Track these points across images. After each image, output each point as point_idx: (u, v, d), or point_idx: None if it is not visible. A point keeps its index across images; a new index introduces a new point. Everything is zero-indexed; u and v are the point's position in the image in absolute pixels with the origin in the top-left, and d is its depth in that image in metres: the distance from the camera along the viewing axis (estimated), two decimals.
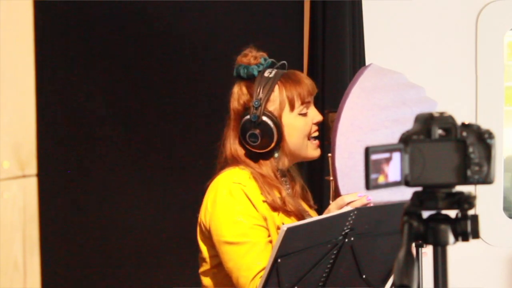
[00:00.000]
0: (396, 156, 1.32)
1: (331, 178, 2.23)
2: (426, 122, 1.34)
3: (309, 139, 2.34)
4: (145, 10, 3.19)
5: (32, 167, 1.52)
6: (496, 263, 3.41)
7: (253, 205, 2.22)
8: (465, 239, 1.34)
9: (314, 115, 2.36)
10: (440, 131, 1.34)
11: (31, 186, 1.52)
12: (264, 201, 2.24)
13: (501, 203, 3.39)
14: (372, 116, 2.23)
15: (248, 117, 2.28)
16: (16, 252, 1.49)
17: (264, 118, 2.28)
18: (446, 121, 1.34)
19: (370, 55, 3.19)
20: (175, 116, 3.22)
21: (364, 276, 2.17)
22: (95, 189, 3.20)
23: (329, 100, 3.10)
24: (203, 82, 3.17)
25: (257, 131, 2.27)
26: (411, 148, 1.33)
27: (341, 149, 2.21)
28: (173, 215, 3.18)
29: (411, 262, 1.26)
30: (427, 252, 2.14)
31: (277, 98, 2.30)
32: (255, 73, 2.31)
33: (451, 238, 1.35)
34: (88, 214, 3.19)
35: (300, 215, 2.31)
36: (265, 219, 2.23)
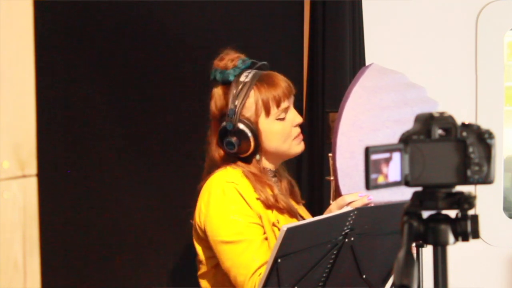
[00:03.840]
0: (396, 156, 1.32)
1: (332, 178, 2.23)
2: (426, 122, 1.34)
3: (292, 139, 2.33)
4: (145, 10, 3.18)
5: (32, 167, 1.52)
6: (496, 263, 3.41)
7: (247, 203, 2.22)
8: (465, 239, 1.34)
9: (293, 117, 2.33)
10: (440, 131, 1.34)
11: (31, 186, 1.52)
12: (257, 199, 2.25)
13: (501, 203, 3.39)
14: (373, 116, 2.23)
15: (224, 124, 2.28)
16: (16, 252, 1.49)
17: (240, 126, 2.27)
18: (446, 121, 1.34)
19: (370, 55, 3.19)
20: (175, 116, 3.22)
21: (364, 276, 2.17)
22: (95, 189, 3.20)
23: (329, 100, 3.09)
24: (203, 82, 3.16)
25: (233, 139, 2.26)
26: (411, 148, 1.33)
27: (342, 149, 2.21)
28: (174, 216, 3.17)
29: (411, 262, 1.26)
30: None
31: (252, 105, 2.28)
32: (231, 78, 2.29)
33: (451, 238, 1.35)
34: (88, 214, 3.19)
35: (292, 212, 2.31)
36: (260, 217, 2.23)
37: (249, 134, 2.26)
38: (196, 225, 2.29)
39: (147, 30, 3.20)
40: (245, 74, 2.30)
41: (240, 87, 2.27)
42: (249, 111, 2.28)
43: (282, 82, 2.32)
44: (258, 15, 3.23)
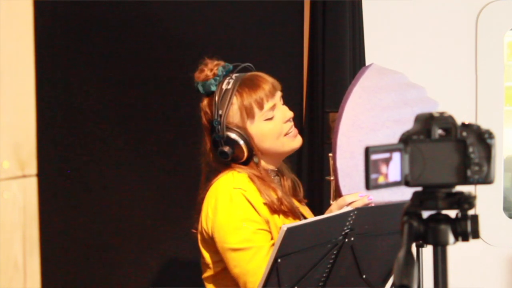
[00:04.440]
0: (396, 156, 1.31)
1: (332, 178, 2.23)
2: (426, 122, 1.34)
3: (285, 135, 2.32)
4: (144, 10, 3.18)
5: (32, 167, 1.52)
6: (496, 263, 3.41)
7: (255, 210, 2.21)
8: (465, 239, 1.34)
9: (282, 114, 2.31)
10: (440, 131, 1.34)
11: (31, 186, 1.52)
12: (264, 203, 2.24)
13: (501, 203, 3.39)
14: (373, 116, 2.23)
15: (214, 135, 2.27)
16: (16, 252, 1.49)
17: (230, 134, 2.26)
18: (446, 121, 1.34)
19: (370, 55, 3.19)
20: (175, 116, 3.22)
21: (364, 276, 2.17)
22: (95, 189, 3.20)
23: (329, 100, 3.09)
24: None
25: (226, 148, 2.26)
26: (411, 148, 1.32)
27: (342, 149, 2.20)
28: (174, 216, 3.17)
29: (411, 262, 1.26)
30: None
31: (237, 111, 2.27)
32: (213, 88, 2.28)
33: (451, 238, 1.34)
34: (88, 214, 3.19)
35: (295, 214, 2.31)
36: (267, 222, 2.22)
37: (240, 140, 2.26)
38: (202, 230, 2.28)
39: (148, 30, 3.20)
40: (227, 80, 2.28)
41: (222, 95, 2.26)
42: (235, 118, 2.27)
43: (264, 83, 2.29)
44: (258, 15, 3.23)
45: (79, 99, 3.18)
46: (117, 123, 3.20)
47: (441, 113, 1.35)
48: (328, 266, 2.08)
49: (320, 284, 2.11)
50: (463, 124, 1.34)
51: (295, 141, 2.33)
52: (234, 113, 2.27)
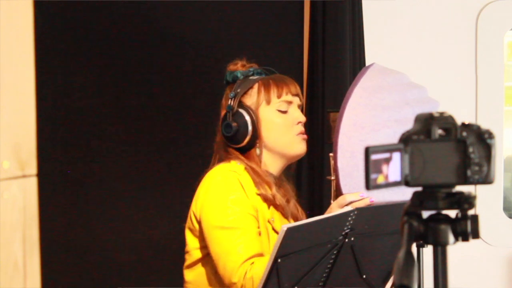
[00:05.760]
0: (396, 156, 1.31)
1: (333, 177, 2.23)
2: (426, 122, 1.34)
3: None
4: (145, 10, 3.19)
5: (32, 167, 1.52)
6: (496, 263, 3.41)
7: (246, 195, 2.23)
8: (465, 239, 1.34)
9: (297, 114, 2.35)
10: (440, 131, 1.34)
11: (31, 186, 1.52)
12: (258, 194, 2.25)
13: (501, 203, 3.39)
14: (374, 116, 2.23)
15: (226, 108, 2.31)
16: (16, 252, 1.49)
17: (240, 110, 2.29)
18: (446, 121, 1.34)
19: (370, 55, 3.19)
20: (175, 116, 3.22)
21: (364, 276, 2.17)
22: (95, 189, 3.20)
23: (330, 100, 3.09)
24: (203, 82, 3.17)
25: (233, 123, 2.29)
26: (411, 148, 1.32)
27: (343, 149, 2.20)
28: (174, 215, 3.17)
29: (411, 262, 1.26)
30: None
31: (255, 94, 2.32)
32: (239, 75, 2.33)
33: (451, 238, 1.34)
34: (88, 214, 3.19)
35: (285, 213, 2.32)
36: (256, 210, 2.23)
37: (247, 118, 2.28)
38: (191, 213, 2.29)
39: (147, 30, 3.20)
40: (254, 75, 2.35)
41: (245, 79, 2.32)
42: (250, 100, 2.32)
43: (290, 82, 2.36)
44: (258, 15, 3.24)
45: (79, 99, 3.18)
46: (117, 123, 3.20)
47: (441, 113, 1.34)
48: (328, 266, 2.08)
49: (320, 284, 2.11)
50: (463, 124, 1.34)
51: (300, 144, 2.34)
52: (252, 95, 2.32)
